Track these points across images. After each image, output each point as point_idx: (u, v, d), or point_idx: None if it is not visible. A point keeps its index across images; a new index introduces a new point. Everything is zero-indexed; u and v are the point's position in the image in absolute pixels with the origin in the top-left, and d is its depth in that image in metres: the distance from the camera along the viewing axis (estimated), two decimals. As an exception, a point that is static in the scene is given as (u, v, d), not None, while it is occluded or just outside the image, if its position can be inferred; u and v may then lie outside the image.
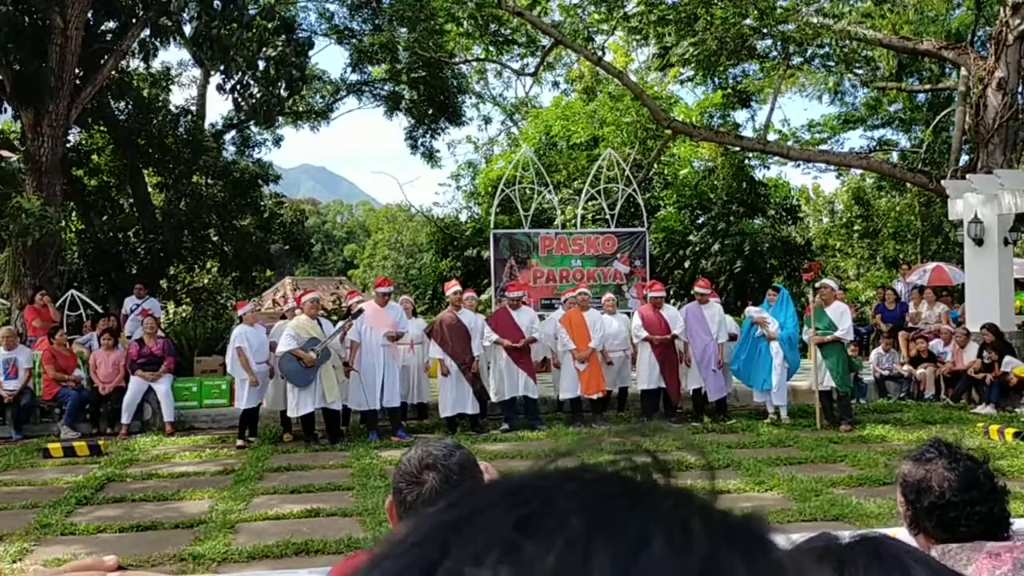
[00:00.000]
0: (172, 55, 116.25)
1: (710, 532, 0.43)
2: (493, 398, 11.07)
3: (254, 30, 16.30)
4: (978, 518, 2.09)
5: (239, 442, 10.31)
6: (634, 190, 15.39)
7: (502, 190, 15.47)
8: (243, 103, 17.76)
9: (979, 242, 13.57)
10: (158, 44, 18.25)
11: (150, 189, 20.63)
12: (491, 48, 22.04)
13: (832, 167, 24.99)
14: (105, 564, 1.05)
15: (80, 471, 8.98)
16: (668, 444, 0.52)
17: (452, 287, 11.41)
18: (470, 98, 28.96)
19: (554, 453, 0.49)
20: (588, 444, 0.50)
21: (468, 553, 0.41)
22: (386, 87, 23.84)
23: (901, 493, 2.22)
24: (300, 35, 19.31)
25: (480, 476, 2.10)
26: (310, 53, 19.98)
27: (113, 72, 17.19)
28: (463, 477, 2.03)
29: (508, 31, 20.81)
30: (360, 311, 10.87)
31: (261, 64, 16.78)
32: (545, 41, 20.35)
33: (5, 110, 16.29)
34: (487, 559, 0.41)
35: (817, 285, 11.26)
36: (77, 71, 15.51)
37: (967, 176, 14.75)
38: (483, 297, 17.20)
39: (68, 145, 17.06)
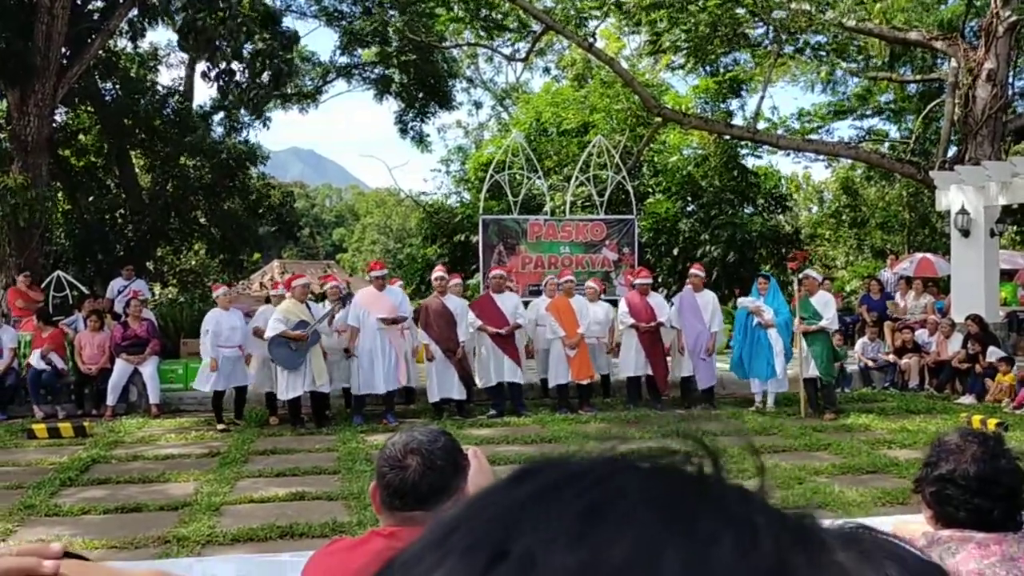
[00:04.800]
0: (160, 35, 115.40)
1: (776, 532, 0.42)
2: (479, 384, 11.08)
3: (239, 19, 16.15)
4: (971, 508, 2.11)
5: (220, 425, 10.30)
6: (624, 177, 15.38)
7: (492, 175, 15.44)
8: (229, 91, 17.66)
9: (965, 233, 13.64)
10: (146, 24, 18.12)
11: (137, 170, 20.50)
12: (482, 33, 21.94)
13: (821, 156, 25.05)
14: (49, 550, 1.02)
15: (65, 452, 8.95)
16: (716, 432, 0.51)
17: (436, 272, 11.41)
18: (461, 83, 28.92)
19: (608, 438, 0.49)
20: (644, 429, 0.50)
21: (538, 537, 0.41)
22: (376, 70, 23.71)
23: (930, 449, 2.26)
24: (286, 29, 19.17)
25: (464, 462, 2.10)
26: (300, 38, 19.86)
27: (100, 52, 17.04)
28: (447, 463, 2.04)
29: (499, 16, 20.72)
30: (350, 294, 10.86)
31: (247, 54, 16.66)
32: (536, 26, 20.27)
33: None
34: (557, 545, 0.40)
35: (800, 276, 11.27)
36: (63, 50, 15.38)
37: (955, 167, 14.80)
38: (471, 282, 17.18)
39: (54, 125, 16.93)
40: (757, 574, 0.40)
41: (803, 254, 13.69)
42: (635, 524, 0.41)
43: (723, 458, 0.47)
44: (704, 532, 0.41)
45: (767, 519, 0.43)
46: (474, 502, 0.45)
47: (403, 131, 24.72)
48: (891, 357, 12.96)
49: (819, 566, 0.42)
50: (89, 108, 19.42)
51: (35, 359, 11.31)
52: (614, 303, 12.55)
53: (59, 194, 19.12)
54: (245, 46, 16.36)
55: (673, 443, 0.48)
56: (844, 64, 23.31)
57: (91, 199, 19.96)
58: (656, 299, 11.66)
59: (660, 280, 18.53)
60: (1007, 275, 16.46)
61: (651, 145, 22.44)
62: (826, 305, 10.82)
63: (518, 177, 16.11)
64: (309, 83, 24.36)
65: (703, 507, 0.43)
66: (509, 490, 0.45)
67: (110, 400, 11.19)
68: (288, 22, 20.22)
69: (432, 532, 0.44)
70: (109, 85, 19.39)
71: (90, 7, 17.11)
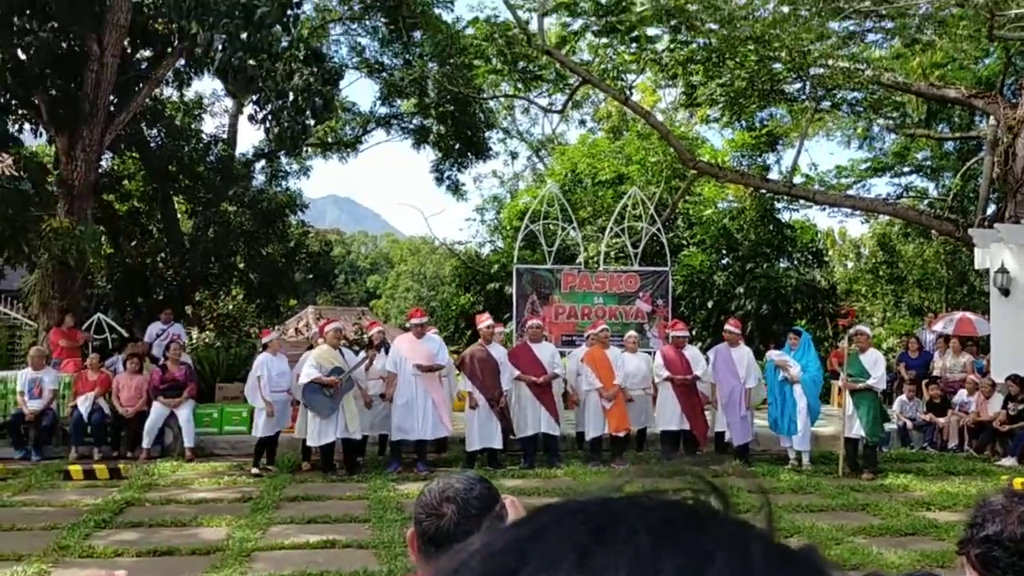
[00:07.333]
0: (205, 85, 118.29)
1: (769, 558, 0.44)
2: (515, 434, 11.02)
3: (284, 62, 16.51)
4: (1018, 570, 2.08)
5: (254, 470, 10.34)
6: (658, 229, 15.39)
7: (526, 225, 15.52)
8: (272, 132, 18.00)
9: (1005, 292, 13.45)
10: (192, 74, 18.57)
11: (179, 215, 20.89)
12: (519, 85, 22.25)
13: (858, 212, 24.90)
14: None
15: (99, 494, 9.02)
16: (728, 478, 0.54)
17: (484, 320, 11.34)
18: (497, 133, 29.25)
19: (617, 481, 0.52)
20: (652, 474, 0.53)
21: (545, 560, 0.44)
22: (414, 120, 24.10)
23: (974, 510, 2.23)
24: (330, 64, 19.52)
25: (501, 511, 2.10)
26: (341, 84, 20.20)
27: (147, 99, 17.47)
28: (482, 511, 2.03)
29: (536, 68, 21.01)
30: (385, 343, 10.91)
31: (291, 95, 16.95)
32: (573, 79, 20.52)
33: (40, 134, 16.59)
34: (561, 568, 0.43)
35: (852, 332, 11.08)
36: (112, 98, 15.80)
37: (994, 225, 14.65)
38: (504, 331, 17.18)
39: (100, 170, 17.32)
40: None
41: (853, 311, 13.51)
42: (634, 545, 0.43)
43: (729, 495, 0.50)
44: (699, 554, 0.43)
45: (762, 547, 0.45)
46: (488, 537, 0.48)
47: (439, 180, 25.02)
48: (928, 416, 12.73)
49: None
50: (135, 154, 19.88)
51: (83, 403, 11.46)
52: (649, 354, 12.49)
53: (102, 238, 19.50)
54: (288, 86, 16.62)
55: (680, 482, 0.51)
56: (881, 120, 23.27)
57: (133, 243, 20.34)
58: (691, 352, 11.59)
59: (694, 333, 18.41)
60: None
61: (686, 197, 22.48)
62: (875, 363, 10.51)
63: (552, 227, 16.17)
64: (349, 132, 24.79)
65: (699, 534, 0.45)
66: (520, 526, 0.48)
67: (146, 443, 11.28)
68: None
69: (447, 564, 0.47)
70: (155, 132, 19.86)
71: (138, 56, 17.59)
